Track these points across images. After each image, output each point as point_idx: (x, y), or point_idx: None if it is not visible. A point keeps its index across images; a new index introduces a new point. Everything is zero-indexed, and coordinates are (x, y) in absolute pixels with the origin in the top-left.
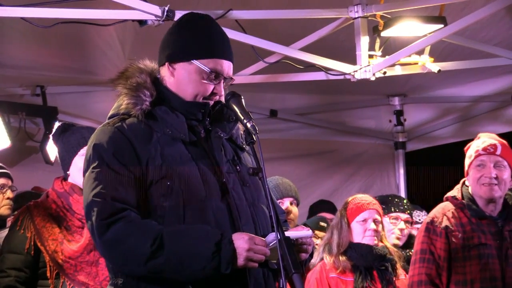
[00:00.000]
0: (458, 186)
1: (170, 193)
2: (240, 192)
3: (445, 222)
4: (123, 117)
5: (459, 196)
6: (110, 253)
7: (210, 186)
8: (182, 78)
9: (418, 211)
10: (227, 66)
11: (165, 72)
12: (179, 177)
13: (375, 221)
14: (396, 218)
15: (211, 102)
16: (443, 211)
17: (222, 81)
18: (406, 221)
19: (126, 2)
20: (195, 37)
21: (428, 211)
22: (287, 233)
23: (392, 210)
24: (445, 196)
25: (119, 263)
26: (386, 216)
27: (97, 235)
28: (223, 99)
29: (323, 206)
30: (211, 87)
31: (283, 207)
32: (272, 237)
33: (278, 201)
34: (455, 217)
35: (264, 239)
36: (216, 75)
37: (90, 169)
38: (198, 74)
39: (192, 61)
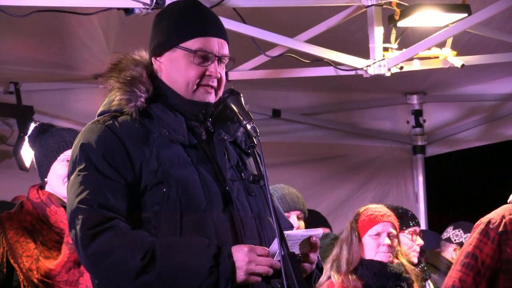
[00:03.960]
0: None
1: (166, 201)
2: (245, 202)
3: (502, 227)
4: (115, 114)
5: None
6: (95, 267)
7: (212, 195)
8: (170, 69)
9: (453, 229)
10: (217, 44)
11: (155, 66)
12: (176, 183)
13: (389, 235)
14: (415, 233)
15: (211, 93)
16: (504, 213)
17: (216, 61)
18: (420, 236)
19: None
20: (175, 21)
21: (448, 223)
22: (295, 232)
23: (410, 224)
24: (509, 199)
25: (105, 278)
26: (404, 231)
27: (81, 246)
28: (223, 83)
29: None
30: (202, 69)
31: None
32: (275, 245)
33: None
34: None
35: (267, 248)
36: (205, 55)
37: (76, 172)
38: (185, 59)
39: (175, 48)
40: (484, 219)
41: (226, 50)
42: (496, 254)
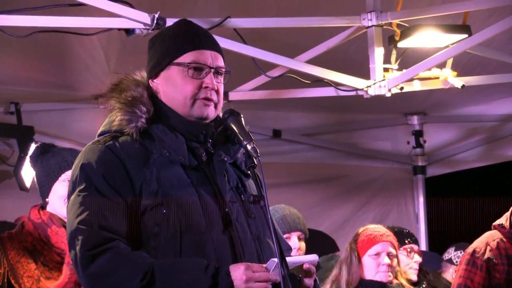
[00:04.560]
0: (507, 214)
1: (166, 223)
2: (245, 224)
3: (488, 254)
4: (115, 134)
5: (507, 224)
6: None
7: (211, 216)
8: (167, 87)
9: (455, 250)
10: (210, 56)
11: (154, 89)
12: (176, 204)
13: (389, 254)
14: (411, 250)
15: (210, 106)
16: (487, 241)
17: (212, 73)
18: (418, 254)
19: (111, 9)
20: (168, 41)
21: (448, 244)
22: (290, 259)
23: (406, 242)
24: (493, 224)
25: None
26: (400, 249)
27: (80, 267)
28: (221, 97)
29: None
30: (198, 82)
31: (291, 243)
32: (272, 262)
33: (285, 235)
34: (501, 248)
35: (264, 265)
36: (199, 67)
37: (76, 192)
38: (180, 74)
39: (169, 66)
40: (469, 250)
41: (220, 62)
42: (486, 281)
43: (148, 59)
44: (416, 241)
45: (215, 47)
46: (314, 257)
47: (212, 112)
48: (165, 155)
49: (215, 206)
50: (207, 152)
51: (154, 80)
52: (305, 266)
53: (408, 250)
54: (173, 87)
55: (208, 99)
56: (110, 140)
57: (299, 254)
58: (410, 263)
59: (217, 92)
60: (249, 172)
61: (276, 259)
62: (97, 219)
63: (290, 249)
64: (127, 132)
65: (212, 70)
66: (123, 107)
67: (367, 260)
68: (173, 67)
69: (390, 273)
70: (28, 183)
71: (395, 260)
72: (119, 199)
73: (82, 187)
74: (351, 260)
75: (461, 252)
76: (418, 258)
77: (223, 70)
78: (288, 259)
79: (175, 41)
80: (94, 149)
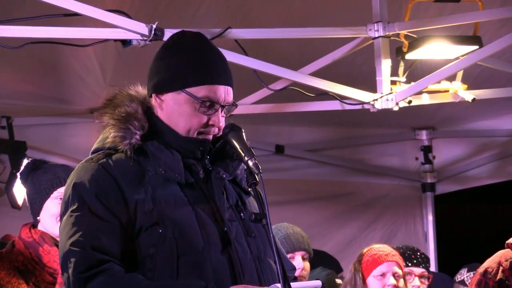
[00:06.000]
0: None
1: (162, 243)
2: (244, 243)
3: (500, 275)
4: (109, 152)
5: None
6: None
7: (209, 236)
8: (172, 111)
9: (467, 271)
10: (223, 92)
11: (154, 103)
12: (173, 224)
13: (395, 275)
14: (410, 274)
15: (210, 137)
16: (500, 260)
17: (220, 110)
18: (421, 276)
19: (107, 19)
20: (182, 62)
21: (461, 265)
22: (293, 285)
23: (406, 264)
24: (506, 242)
25: None
26: None
27: None
28: (222, 130)
29: None
30: (205, 118)
31: (294, 263)
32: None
33: (289, 255)
34: None
35: None
36: (210, 104)
37: (69, 213)
38: (190, 104)
39: (180, 90)
40: (480, 270)
41: (231, 97)
42: None
43: (154, 69)
44: (419, 263)
45: (229, 80)
46: (317, 283)
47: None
48: (160, 173)
49: (213, 225)
50: (204, 169)
51: (159, 96)
52: None
53: (406, 273)
54: (178, 113)
55: (210, 134)
56: (103, 158)
57: (303, 275)
58: None
59: (219, 128)
60: (250, 189)
61: (279, 285)
62: (90, 240)
63: (294, 269)
64: (121, 149)
65: (221, 106)
66: (117, 124)
67: (372, 281)
68: (183, 94)
69: None
70: (20, 201)
71: (401, 280)
72: (113, 219)
73: (74, 207)
74: (355, 281)
75: (474, 273)
76: (416, 283)
77: (233, 106)
78: (292, 284)
79: (191, 67)
80: (87, 168)
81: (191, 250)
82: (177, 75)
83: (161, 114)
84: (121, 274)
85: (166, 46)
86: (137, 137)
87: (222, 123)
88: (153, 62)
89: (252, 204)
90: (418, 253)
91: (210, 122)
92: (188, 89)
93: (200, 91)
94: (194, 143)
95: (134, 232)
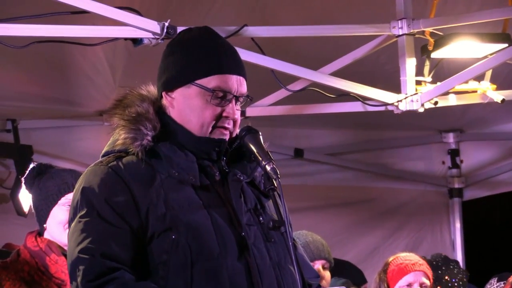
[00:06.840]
0: None
1: (175, 249)
2: (263, 249)
3: None
4: (119, 154)
5: None
6: None
7: (226, 241)
8: (183, 107)
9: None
10: (235, 82)
11: (165, 102)
12: (186, 229)
13: (422, 285)
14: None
15: (227, 135)
16: None
17: (234, 101)
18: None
19: (117, 17)
20: (190, 55)
21: (491, 275)
22: None
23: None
24: None
25: None
26: None
27: None
28: (238, 126)
29: None
30: (218, 110)
31: None
32: None
33: None
34: None
35: None
36: (223, 95)
37: (77, 218)
38: (201, 97)
39: (190, 84)
40: (511, 279)
41: (244, 88)
42: None
43: (162, 67)
44: (455, 276)
45: (241, 70)
46: None
47: (227, 139)
48: (173, 175)
49: (230, 230)
50: (221, 171)
51: (169, 94)
52: None
53: None
54: (190, 108)
55: (225, 128)
56: (113, 161)
57: (323, 285)
58: None
59: (234, 121)
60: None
61: None
62: (100, 247)
63: (317, 276)
64: (132, 151)
65: (234, 97)
66: (127, 124)
67: None
68: (193, 86)
69: None
70: (26, 208)
71: None
72: (124, 224)
73: (83, 212)
74: None
75: (505, 283)
76: None
77: (248, 98)
78: None
79: (200, 58)
80: (96, 171)
81: (206, 257)
82: (186, 69)
83: (172, 113)
84: (131, 283)
85: (173, 43)
86: (149, 138)
87: (238, 116)
88: (161, 62)
89: (272, 208)
90: (455, 264)
91: (224, 114)
92: (197, 81)
93: (210, 81)
94: (209, 143)
95: (146, 238)
